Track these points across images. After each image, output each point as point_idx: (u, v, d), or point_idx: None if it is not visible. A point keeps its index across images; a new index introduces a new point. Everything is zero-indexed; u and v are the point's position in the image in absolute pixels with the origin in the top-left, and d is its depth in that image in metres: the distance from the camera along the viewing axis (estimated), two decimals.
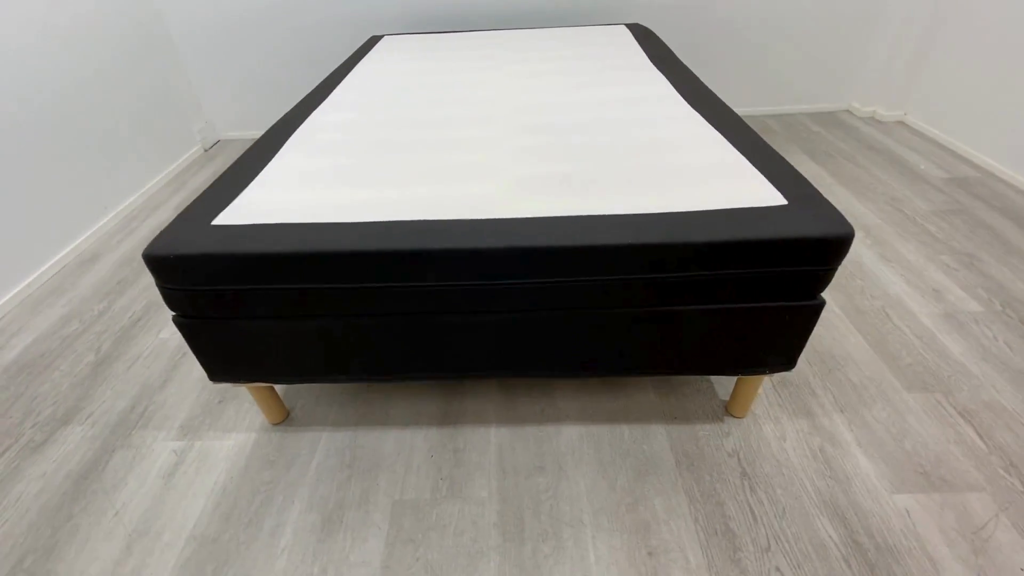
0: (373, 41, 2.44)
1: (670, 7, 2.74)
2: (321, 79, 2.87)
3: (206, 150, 3.03)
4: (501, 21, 2.79)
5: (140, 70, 2.54)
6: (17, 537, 1.14)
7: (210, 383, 1.47)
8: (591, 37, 2.28)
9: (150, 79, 2.61)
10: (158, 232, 1.36)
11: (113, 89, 2.35)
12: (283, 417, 1.37)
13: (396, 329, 1.08)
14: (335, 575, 1.05)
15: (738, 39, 2.83)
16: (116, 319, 1.76)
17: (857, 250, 1.89)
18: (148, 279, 1.94)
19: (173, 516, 1.17)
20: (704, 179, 1.09)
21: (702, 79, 2.96)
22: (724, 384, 1.41)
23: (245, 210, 1.07)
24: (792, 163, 2.51)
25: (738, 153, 1.17)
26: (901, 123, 2.86)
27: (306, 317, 1.06)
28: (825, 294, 1.70)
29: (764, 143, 1.22)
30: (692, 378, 1.42)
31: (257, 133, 3.14)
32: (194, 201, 1.11)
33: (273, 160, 1.28)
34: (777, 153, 1.17)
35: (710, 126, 1.32)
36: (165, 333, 1.68)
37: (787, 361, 1.13)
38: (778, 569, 1.02)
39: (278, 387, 1.43)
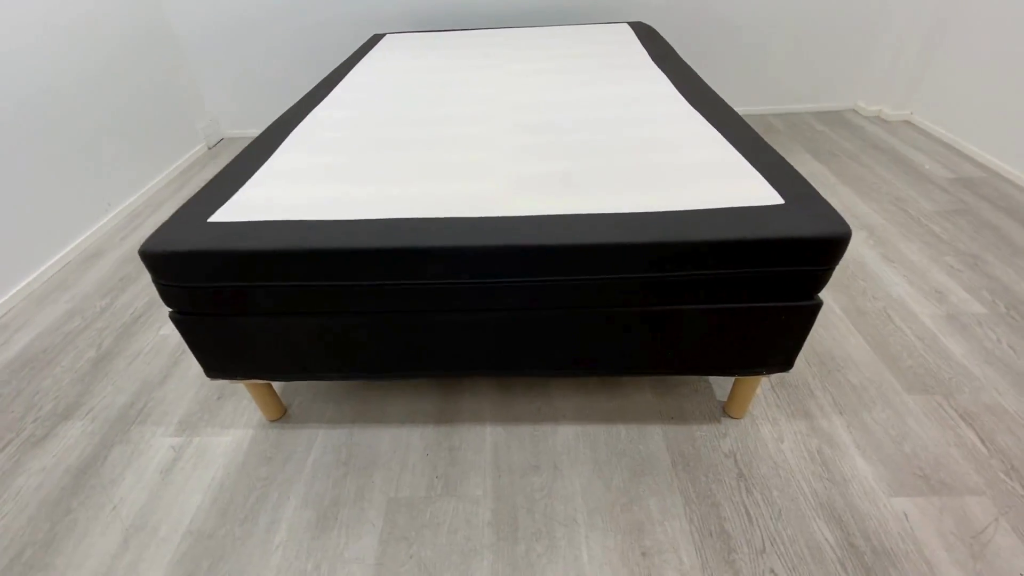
0: (375, 39, 2.44)
1: (674, 6, 2.73)
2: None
3: (210, 148, 3.04)
4: (504, 20, 2.79)
5: (144, 68, 2.55)
6: (16, 530, 1.16)
7: (208, 380, 1.47)
8: (593, 36, 2.27)
9: (154, 77, 2.62)
10: None
11: (117, 87, 2.37)
12: (280, 414, 1.38)
13: (393, 327, 1.08)
14: (329, 571, 1.05)
15: (743, 38, 2.81)
16: (118, 315, 1.77)
17: (860, 250, 1.87)
18: (150, 276, 1.95)
19: (170, 511, 1.17)
20: (701, 178, 1.08)
21: (707, 78, 2.94)
22: (722, 385, 1.40)
23: (242, 207, 1.07)
24: (795, 162, 2.49)
25: (737, 152, 1.17)
26: (907, 122, 2.83)
27: (302, 314, 1.06)
28: (826, 295, 1.68)
29: (763, 142, 1.21)
30: (690, 378, 1.42)
31: (261, 131, 3.15)
32: (191, 198, 1.12)
33: (271, 157, 1.28)
34: (776, 152, 1.16)
35: (709, 125, 1.31)
36: (166, 330, 1.69)
37: (784, 362, 1.12)
38: (772, 571, 1.01)
39: (276, 384, 1.43)
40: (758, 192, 1.01)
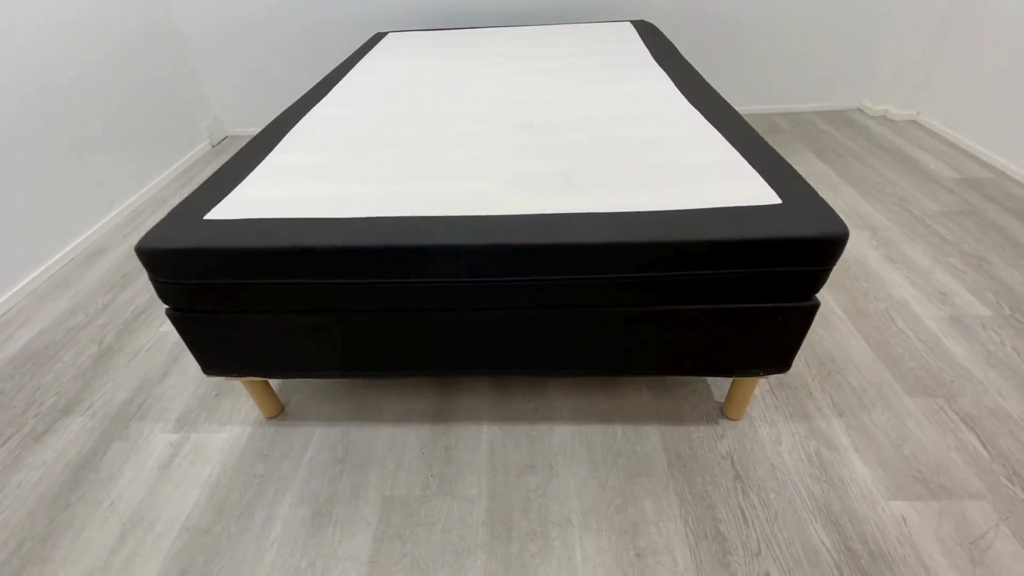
0: (377, 38, 2.44)
1: (678, 4, 2.71)
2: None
3: (214, 146, 3.06)
4: (507, 18, 2.78)
5: (149, 66, 2.57)
6: (16, 524, 1.17)
7: (207, 377, 1.48)
8: (595, 34, 2.26)
9: (158, 76, 2.64)
10: None
11: (121, 85, 2.39)
12: (278, 411, 1.38)
13: (390, 325, 1.08)
14: (323, 569, 1.05)
15: (747, 36, 2.79)
16: (119, 312, 1.78)
17: (862, 251, 1.85)
18: None
19: (167, 507, 1.18)
20: (700, 178, 1.07)
21: (711, 77, 2.93)
22: (720, 386, 1.39)
23: (239, 205, 1.07)
24: (799, 162, 2.47)
25: (735, 151, 1.16)
26: (913, 122, 2.80)
27: (299, 312, 1.06)
28: (827, 296, 1.67)
29: (763, 141, 1.20)
30: (688, 379, 1.41)
31: None
32: (189, 196, 1.12)
33: (270, 155, 1.28)
34: (776, 152, 1.15)
35: (709, 124, 1.30)
36: (166, 327, 1.70)
37: (782, 363, 1.11)
38: (768, 574, 1.00)
39: (273, 382, 1.44)
40: (756, 192, 1.01)
